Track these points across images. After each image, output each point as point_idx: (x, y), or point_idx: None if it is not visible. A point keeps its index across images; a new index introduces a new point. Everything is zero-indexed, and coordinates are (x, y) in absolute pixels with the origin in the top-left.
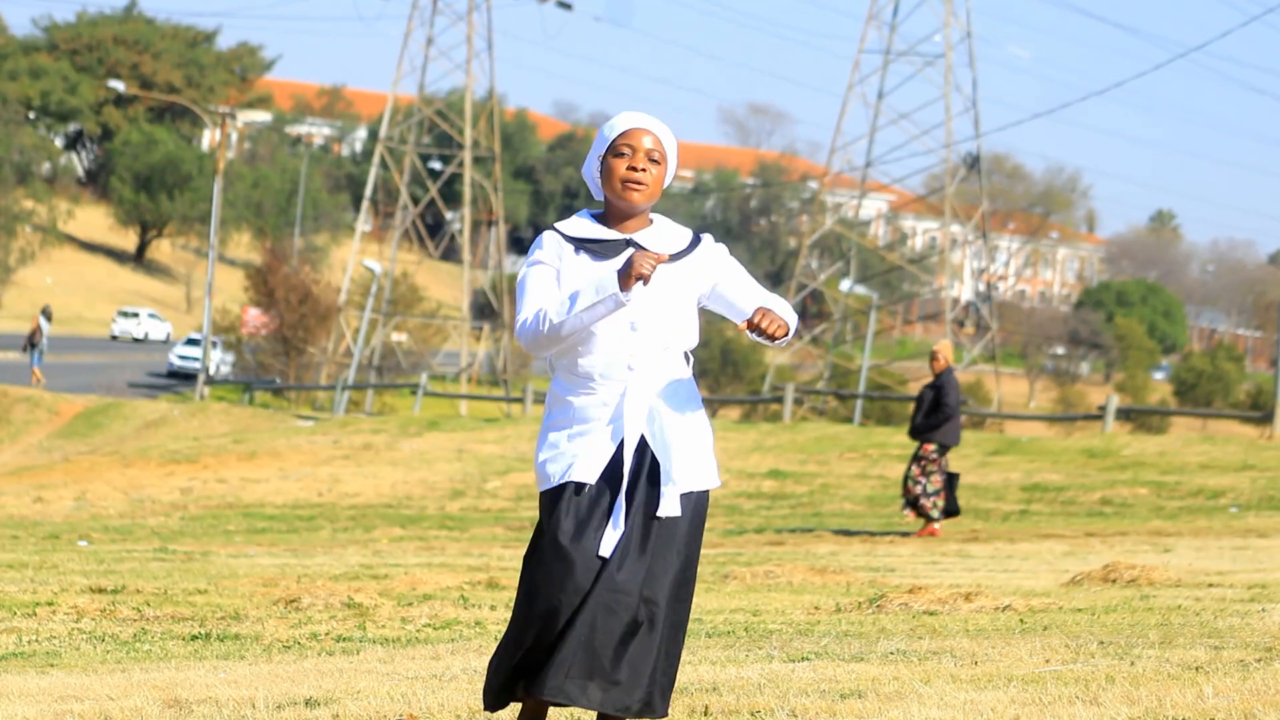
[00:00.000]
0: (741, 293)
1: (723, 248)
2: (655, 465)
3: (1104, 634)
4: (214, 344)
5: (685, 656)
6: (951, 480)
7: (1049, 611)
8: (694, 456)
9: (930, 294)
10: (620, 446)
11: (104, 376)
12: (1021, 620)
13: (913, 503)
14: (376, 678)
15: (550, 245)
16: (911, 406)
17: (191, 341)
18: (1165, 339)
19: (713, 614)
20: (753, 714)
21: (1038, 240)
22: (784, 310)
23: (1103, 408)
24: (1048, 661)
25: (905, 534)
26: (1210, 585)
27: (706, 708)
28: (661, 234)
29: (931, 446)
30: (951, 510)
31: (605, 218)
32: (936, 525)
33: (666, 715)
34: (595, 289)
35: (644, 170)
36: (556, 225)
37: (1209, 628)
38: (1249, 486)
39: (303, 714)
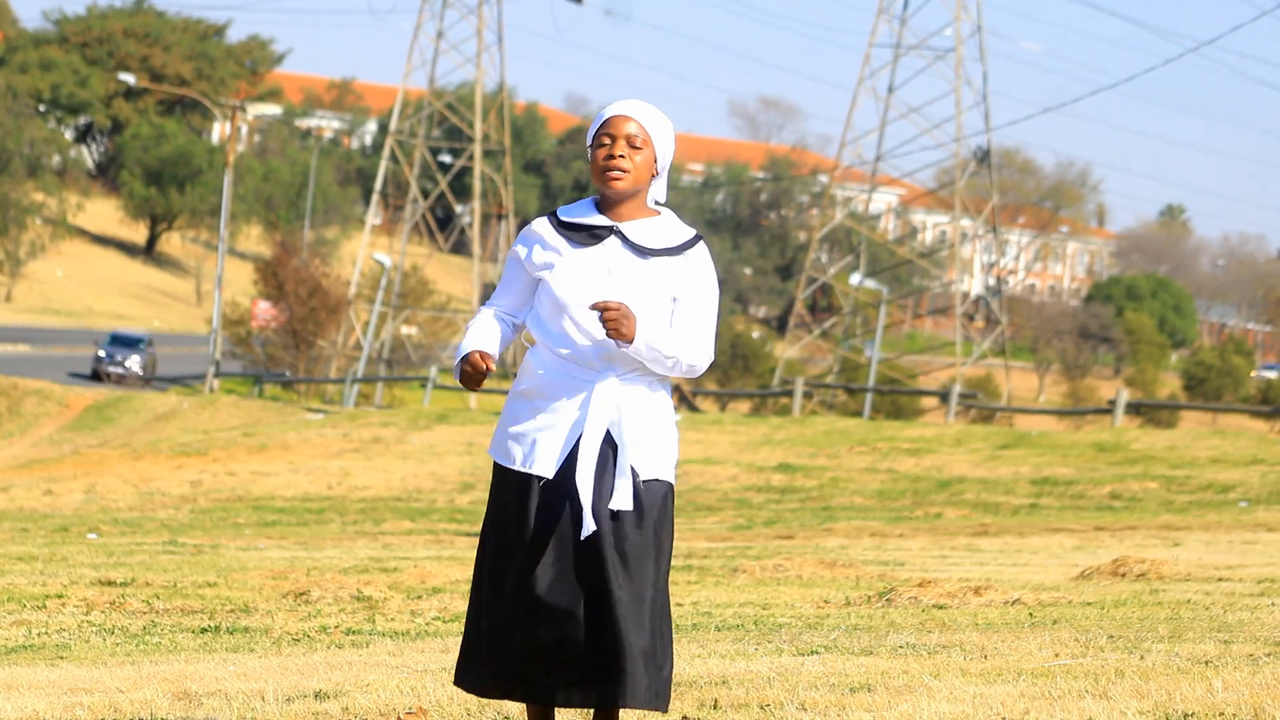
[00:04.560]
0: (682, 315)
1: (708, 270)
2: (613, 457)
3: (1113, 628)
4: None
5: (695, 650)
6: None
7: (1058, 605)
8: (650, 449)
9: (940, 288)
10: (580, 439)
11: None
12: (1031, 614)
13: None
14: (386, 670)
15: (531, 235)
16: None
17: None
18: (1175, 333)
19: (722, 608)
20: (762, 707)
21: (1048, 234)
22: (664, 338)
23: (1112, 402)
24: (1057, 655)
25: None
26: (1220, 579)
27: (716, 701)
28: (656, 229)
29: None
30: None
31: (602, 205)
32: None
33: (665, 710)
34: (465, 344)
35: (622, 157)
36: (557, 210)
37: (1218, 622)
38: (1259, 481)
39: (312, 707)
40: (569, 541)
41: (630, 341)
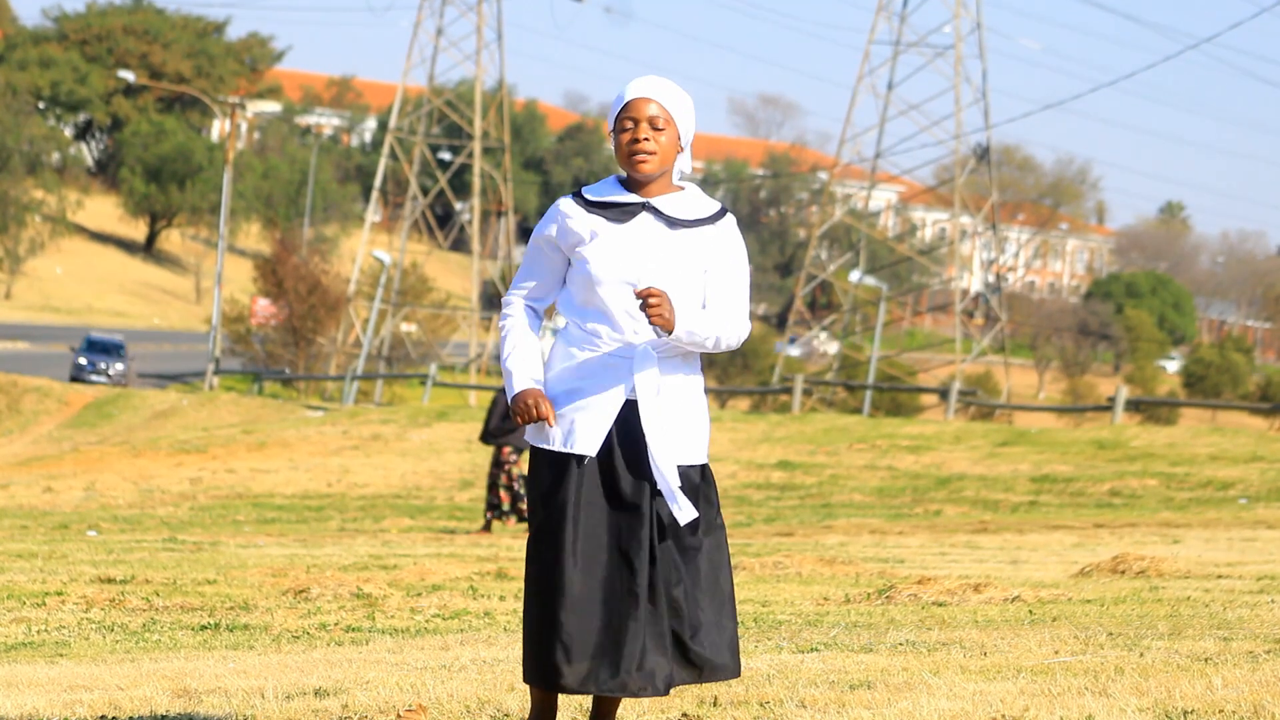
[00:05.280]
0: (716, 288)
1: (739, 241)
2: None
3: (1113, 625)
4: None
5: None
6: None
7: (1058, 603)
8: (687, 432)
9: (939, 285)
10: (618, 418)
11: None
12: (1030, 611)
13: (495, 505)
14: (385, 668)
15: (560, 215)
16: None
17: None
18: (1174, 330)
19: None
20: (762, 705)
21: (1047, 231)
22: (701, 320)
23: (1112, 399)
24: (1057, 653)
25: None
26: (1219, 576)
27: (715, 698)
28: (685, 202)
29: (509, 450)
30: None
31: (629, 184)
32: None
33: (738, 674)
34: (514, 377)
35: (646, 140)
36: (583, 189)
37: (1218, 619)
38: (1258, 478)
39: (312, 704)
40: (620, 521)
41: (671, 330)
